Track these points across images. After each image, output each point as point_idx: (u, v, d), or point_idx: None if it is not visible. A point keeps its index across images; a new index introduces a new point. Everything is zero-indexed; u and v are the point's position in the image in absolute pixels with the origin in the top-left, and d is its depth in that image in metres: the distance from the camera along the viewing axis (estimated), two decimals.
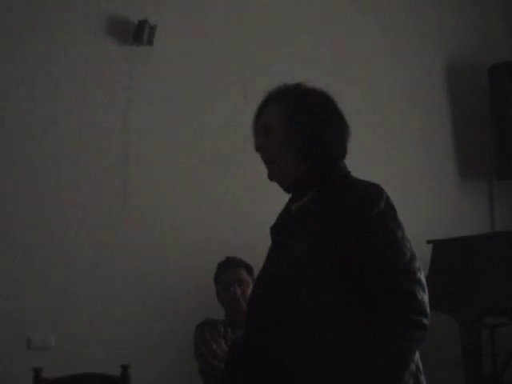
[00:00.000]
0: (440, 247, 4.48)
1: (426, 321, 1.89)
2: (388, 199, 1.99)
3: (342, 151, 2.12)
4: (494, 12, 5.62)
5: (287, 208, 2.16)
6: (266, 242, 2.21)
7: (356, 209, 1.95)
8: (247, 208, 4.70)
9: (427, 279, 1.98)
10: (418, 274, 1.92)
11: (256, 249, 4.03)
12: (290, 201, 2.15)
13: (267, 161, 2.12)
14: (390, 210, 1.98)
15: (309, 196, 2.07)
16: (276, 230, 2.15)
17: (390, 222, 1.96)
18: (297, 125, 2.07)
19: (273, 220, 2.20)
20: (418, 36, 5.36)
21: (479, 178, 5.39)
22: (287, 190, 2.15)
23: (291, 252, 2.01)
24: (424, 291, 1.91)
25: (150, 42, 4.56)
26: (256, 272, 2.29)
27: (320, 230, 1.97)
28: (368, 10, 5.25)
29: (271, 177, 2.13)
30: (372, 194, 1.99)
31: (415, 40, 5.35)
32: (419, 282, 1.91)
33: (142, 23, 4.53)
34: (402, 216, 1.99)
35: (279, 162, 2.09)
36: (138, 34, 4.54)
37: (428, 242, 4.47)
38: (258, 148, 2.13)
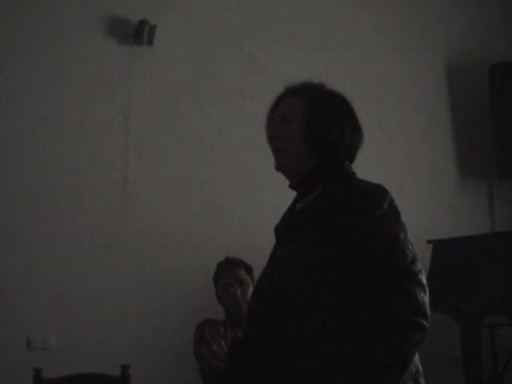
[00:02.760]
0: (440, 247, 4.48)
1: (426, 322, 1.89)
2: (392, 200, 1.99)
3: (352, 153, 2.13)
4: (494, 12, 5.62)
5: (292, 208, 2.16)
6: (266, 242, 2.21)
7: (359, 209, 1.95)
8: (247, 208, 4.70)
9: (427, 279, 1.98)
10: (420, 275, 1.92)
11: (256, 249, 4.06)
12: (295, 200, 2.15)
13: (278, 150, 2.12)
14: (394, 211, 1.98)
15: (313, 196, 2.08)
16: (280, 229, 2.15)
17: (393, 223, 1.96)
18: (316, 121, 2.08)
19: (273, 220, 2.20)
20: (418, 36, 5.36)
21: (479, 177, 5.39)
22: (292, 186, 2.15)
23: (294, 251, 2.01)
24: (425, 293, 1.91)
25: (150, 42, 4.57)
26: (257, 272, 2.29)
27: (323, 230, 1.97)
28: (368, 10, 5.25)
29: (279, 167, 2.13)
30: (375, 194, 1.99)
31: (415, 40, 5.35)
32: (420, 284, 1.91)
33: (142, 23, 4.53)
34: (402, 216, 2.00)
35: (290, 152, 2.09)
36: (138, 34, 4.54)
37: (428, 241, 4.47)
38: (272, 137, 2.13)
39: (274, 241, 2.17)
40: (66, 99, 4.45)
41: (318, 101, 2.11)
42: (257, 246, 4.28)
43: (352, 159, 2.15)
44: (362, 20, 5.22)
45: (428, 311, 1.90)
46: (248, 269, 3.73)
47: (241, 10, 4.91)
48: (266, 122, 2.19)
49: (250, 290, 3.62)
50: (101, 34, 4.56)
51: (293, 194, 2.18)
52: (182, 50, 4.75)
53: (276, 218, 2.20)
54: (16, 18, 4.40)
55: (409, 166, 5.19)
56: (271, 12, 5.00)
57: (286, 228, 2.12)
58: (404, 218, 2.01)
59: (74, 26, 4.51)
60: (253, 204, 4.69)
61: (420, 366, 1.99)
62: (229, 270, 3.72)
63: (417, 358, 1.97)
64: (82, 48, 4.51)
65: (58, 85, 4.44)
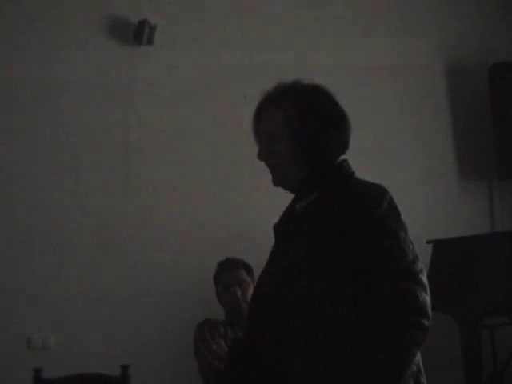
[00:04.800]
0: (440, 247, 4.48)
1: (426, 322, 1.89)
2: (391, 200, 1.99)
3: (345, 148, 2.11)
4: (493, 12, 5.61)
5: (291, 207, 2.15)
6: (267, 242, 2.20)
7: (358, 209, 1.95)
8: (247, 208, 4.69)
9: (427, 279, 1.98)
10: (420, 275, 1.92)
11: (256, 249, 4.05)
12: (294, 200, 2.15)
13: (271, 168, 2.11)
14: (393, 210, 1.98)
15: (313, 196, 2.07)
16: (279, 228, 2.15)
17: (393, 223, 1.95)
18: (299, 128, 2.05)
19: (273, 220, 2.20)
20: (418, 36, 5.35)
21: (479, 178, 5.39)
22: (292, 191, 2.14)
23: (294, 251, 2.00)
24: (426, 292, 1.91)
25: (150, 42, 4.56)
26: (257, 272, 2.29)
27: (323, 230, 1.97)
28: (368, 10, 5.24)
29: (276, 183, 2.12)
30: (375, 194, 1.99)
31: (415, 40, 5.35)
32: (421, 283, 1.91)
33: (142, 23, 4.53)
34: (402, 216, 1.99)
35: (284, 168, 2.08)
36: (138, 34, 4.54)
37: (428, 242, 4.46)
38: (262, 157, 2.11)
39: (273, 241, 2.17)
40: (65, 99, 4.45)
41: (296, 106, 2.06)
42: (257, 246, 4.28)
43: (345, 149, 2.12)
44: (362, 20, 5.21)
45: (429, 311, 1.91)
46: (248, 269, 3.73)
47: (241, 9, 4.91)
48: (254, 136, 2.16)
49: (250, 290, 3.62)
50: (101, 34, 4.56)
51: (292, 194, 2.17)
52: (181, 50, 4.74)
53: (276, 218, 2.20)
54: (16, 18, 4.39)
55: (408, 166, 5.19)
56: (271, 12, 5.00)
57: (285, 228, 2.12)
58: (404, 218, 2.00)
59: (74, 26, 4.51)
60: (253, 204, 4.69)
61: (421, 365, 1.99)
62: (229, 270, 3.72)
63: (418, 356, 1.97)
64: (82, 48, 4.51)
65: (57, 85, 4.44)
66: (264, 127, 2.10)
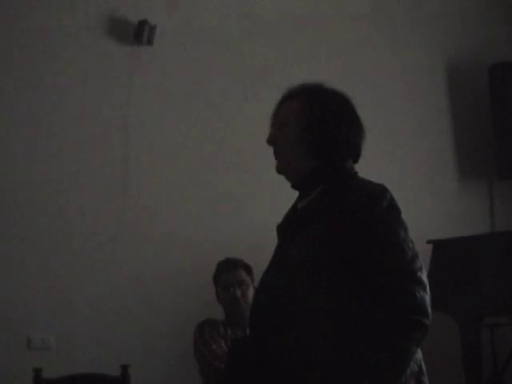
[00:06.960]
0: (440, 247, 4.48)
1: (426, 320, 1.90)
2: (392, 199, 2.00)
3: (355, 152, 2.13)
4: (494, 12, 5.61)
5: (294, 207, 2.17)
6: (267, 242, 2.21)
7: (358, 208, 1.96)
8: (247, 208, 4.69)
9: (427, 278, 1.98)
10: (419, 273, 1.93)
11: (256, 249, 4.05)
12: (297, 200, 2.16)
13: (276, 154, 2.14)
14: (393, 209, 1.99)
15: (314, 195, 2.08)
16: (282, 228, 2.16)
17: (393, 222, 1.96)
18: (310, 121, 2.08)
19: (273, 220, 2.21)
20: (418, 36, 5.36)
21: (479, 178, 5.39)
22: (294, 187, 2.15)
23: (295, 251, 2.01)
24: (425, 291, 1.92)
25: (150, 42, 4.56)
26: (259, 272, 2.30)
27: (323, 230, 1.98)
28: (368, 11, 5.24)
29: (279, 170, 2.14)
30: (375, 193, 2.00)
31: (415, 40, 5.35)
32: (420, 282, 1.91)
33: (142, 23, 4.53)
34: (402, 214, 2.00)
35: (289, 156, 2.10)
36: (138, 34, 4.54)
37: (428, 241, 4.46)
38: (270, 141, 2.15)
39: (275, 241, 2.17)
40: (65, 99, 4.45)
41: (313, 101, 2.11)
42: (257, 246, 4.28)
43: (355, 157, 2.14)
44: (361, 20, 5.21)
45: (428, 309, 1.91)
46: (248, 269, 3.73)
47: (242, 9, 4.91)
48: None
49: (250, 290, 3.63)
50: (101, 34, 4.56)
51: (294, 194, 2.18)
52: (181, 50, 4.74)
53: (277, 218, 2.20)
54: (16, 18, 4.39)
55: (408, 166, 5.19)
56: (272, 12, 5.00)
57: (287, 228, 2.13)
58: (404, 218, 2.01)
59: (74, 26, 4.51)
60: (253, 204, 4.69)
61: (423, 365, 2.00)
62: (229, 270, 3.72)
63: (419, 356, 1.98)
64: (81, 48, 4.51)
65: (57, 85, 4.44)
66: (280, 115, 2.16)
